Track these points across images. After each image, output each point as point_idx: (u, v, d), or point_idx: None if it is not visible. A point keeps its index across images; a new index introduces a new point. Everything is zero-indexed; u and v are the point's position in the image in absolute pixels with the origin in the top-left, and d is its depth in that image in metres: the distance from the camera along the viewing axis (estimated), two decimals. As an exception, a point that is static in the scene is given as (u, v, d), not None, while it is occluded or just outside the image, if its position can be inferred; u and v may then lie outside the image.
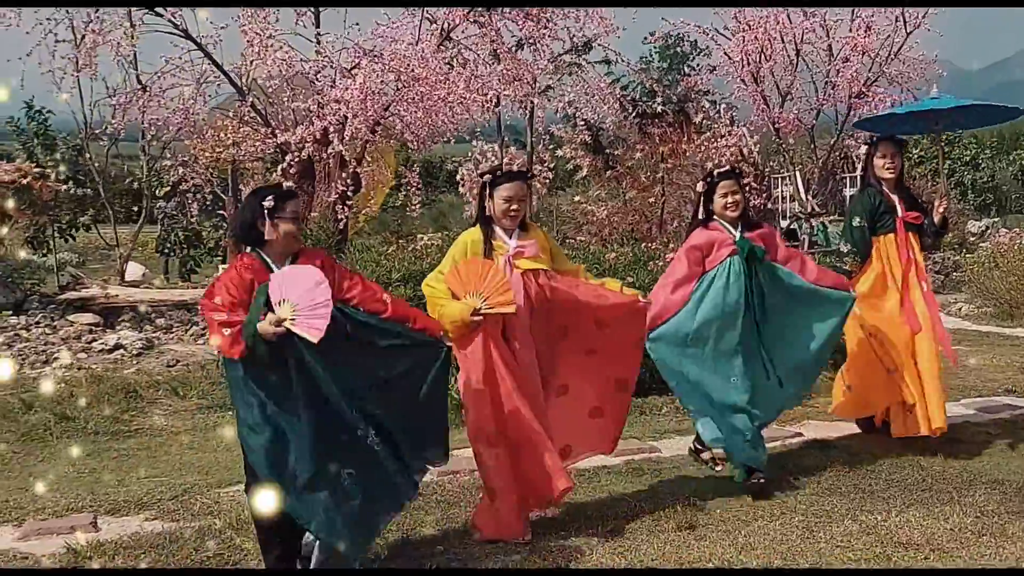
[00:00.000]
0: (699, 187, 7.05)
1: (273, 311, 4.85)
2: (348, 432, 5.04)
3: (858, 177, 19.01)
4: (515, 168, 6.65)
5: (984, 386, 10.10)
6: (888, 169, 7.83)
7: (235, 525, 5.99)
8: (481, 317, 5.74)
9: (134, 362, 11.93)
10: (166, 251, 23.26)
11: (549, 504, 6.12)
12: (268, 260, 5.15)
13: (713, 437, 6.78)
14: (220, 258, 22.28)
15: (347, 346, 5.06)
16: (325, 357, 4.92)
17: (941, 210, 7.87)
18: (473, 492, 6.52)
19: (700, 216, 7.04)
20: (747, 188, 18.52)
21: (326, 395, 4.95)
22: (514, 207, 6.08)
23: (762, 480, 6.62)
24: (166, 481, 7.18)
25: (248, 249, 5.22)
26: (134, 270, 19.55)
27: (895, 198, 7.85)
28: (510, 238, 6.11)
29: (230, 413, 9.17)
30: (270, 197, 5.15)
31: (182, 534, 5.92)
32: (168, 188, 21.32)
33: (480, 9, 14.55)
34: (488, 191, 6.14)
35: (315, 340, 4.79)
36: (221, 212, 20.62)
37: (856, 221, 7.82)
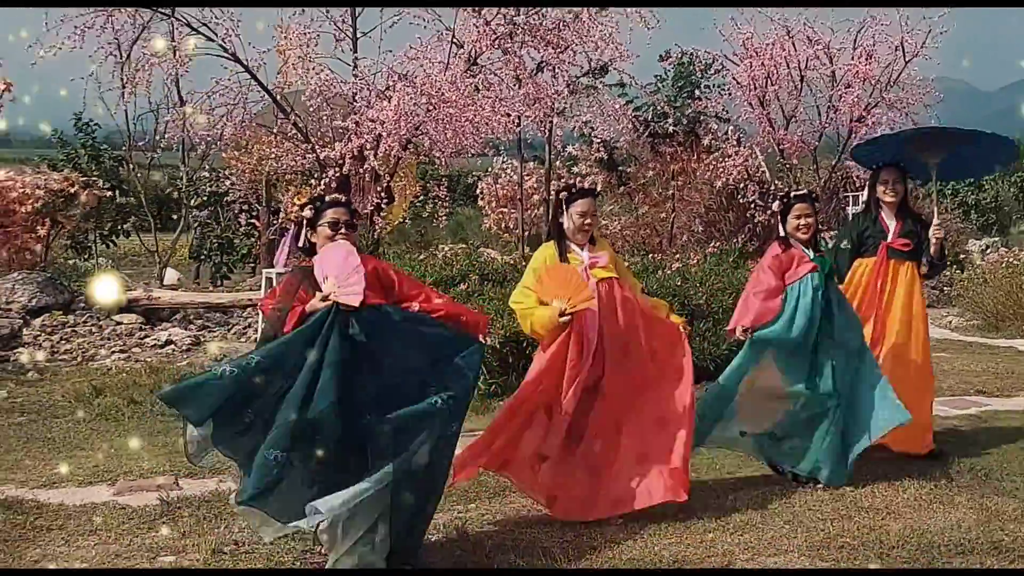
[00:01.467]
0: (775, 206, 7.39)
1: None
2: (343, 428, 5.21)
3: (861, 200, 20.18)
4: (587, 186, 7.00)
5: (959, 387, 11.04)
6: (888, 194, 7.94)
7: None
8: (569, 317, 6.20)
9: (184, 356, 13.02)
10: (200, 257, 24.34)
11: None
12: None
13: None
14: (253, 265, 23.31)
15: (387, 338, 5.38)
16: (364, 345, 5.29)
17: (936, 237, 7.93)
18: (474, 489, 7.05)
19: (781, 234, 7.33)
20: (754, 205, 19.87)
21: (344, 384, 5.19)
22: (587, 221, 6.56)
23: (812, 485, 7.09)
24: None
25: (310, 255, 5.68)
26: (170, 275, 20.67)
27: (891, 223, 7.96)
28: (582, 251, 6.57)
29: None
30: (309, 207, 5.71)
31: (255, 491, 6.97)
32: (204, 198, 22.41)
33: (504, 35, 15.57)
34: (564, 207, 6.62)
35: (356, 304, 5.26)
36: (253, 221, 21.67)
37: (843, 244, 8.12)
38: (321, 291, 5.35)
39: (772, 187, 20.83)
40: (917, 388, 7.77)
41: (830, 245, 19.19)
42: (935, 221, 8.00)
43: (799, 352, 7.10)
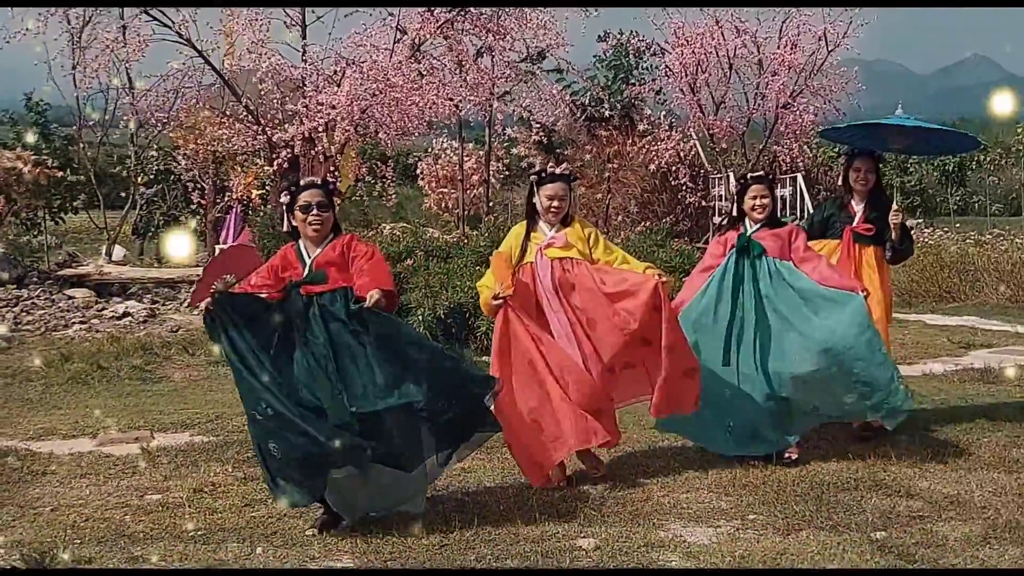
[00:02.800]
0: (732, 187, 7.66)
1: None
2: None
3: (788, 178, 21.14)
4: (558, 171, 7.04)
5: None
6: (858, 182, 8.06)
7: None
8: (502, 300, 6.54)
9: (142, 328, 13.66)
10: (145, 234, 24.81)
11: (567, 453, 6.71)
12: (301, 248, 5.92)
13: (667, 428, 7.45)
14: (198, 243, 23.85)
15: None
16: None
17: (893, 224, 7.99)
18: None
19: (734, 214, 7.50)
20: (686, 187, 20.79)
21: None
22: (555, 204, 6.80)
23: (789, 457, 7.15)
24: (199, 411, 8.98)
25: (295, 238, 5.99)
26: (117, 252, 21.18)
27: (859, 208, 8.08)
28: (550, 230, 6.86)
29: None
30: (284, 193, 5.99)
31: (225, 442, 7.76)
32: (151, 176, 22.90)
33: (446, 22, 16.32)
34: (535, 189, 6.89)
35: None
36: (200, 200, 22.20)
37: (803, 223, 8.50)
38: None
39: (703, 170, 21.81)
40: None
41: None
42: (893, 207, 8.09)
43: (706, 329, 7.20)
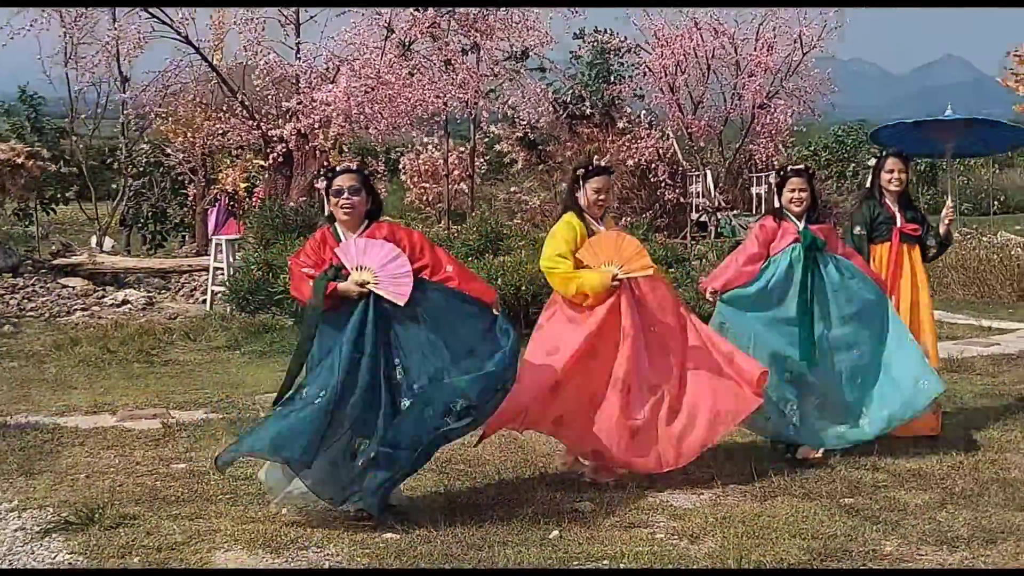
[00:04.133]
0: (772, 179, 7.65)
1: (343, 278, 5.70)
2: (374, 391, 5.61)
3: (763, 177, 21.74)
4: (603, 164, 7.04)
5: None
6: (893, 182, 7.97)
7: (275, 415, 8.32)
8: (619, 282, 6.49)
9: (142, 315, 14.14)
10: (132, 225, 25.22)
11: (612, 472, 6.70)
12: (339, 231, 5.93)
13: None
14: (184, 234, 24.28)
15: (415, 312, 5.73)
16: (392, 320, 5.70)
17: (947, 222, 8.15)
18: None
19: (775, 206, 7.55)
20: (664, 184, 21.37)
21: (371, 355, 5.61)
22: (602, 198, 6.76)
23: (790, 454, 7.20)
24: (210, 391, 9.49)
25: (332, 222, 6.01)
26: (106, 243, 21.60)
27: (895, 210, 8.01)
28: (599, 225, 6.82)
29: (239, 352, 11.61)
30: (322, 179, 6.03)
31: (240, 419, 8.26)
32: (140, 169, 23.32)
33: (435, 22, 16.86)
34: (581, 183, 6.78)
35: (402, 303, 5.64)
36: (186, 192, 22.62)
37: (856, 230, 8.05)
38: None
39: (681, 168, 22.42)
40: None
41: (732, 223, 21.01)
42: (949, 203, 8.30)
43: (771, 322, 7.25)
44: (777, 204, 7.57)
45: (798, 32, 20.12)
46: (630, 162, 21.93)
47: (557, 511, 5.89)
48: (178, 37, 15.26)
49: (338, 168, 6.05)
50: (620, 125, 22.40)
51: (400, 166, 28.47)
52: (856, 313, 7.26)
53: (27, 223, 21.82)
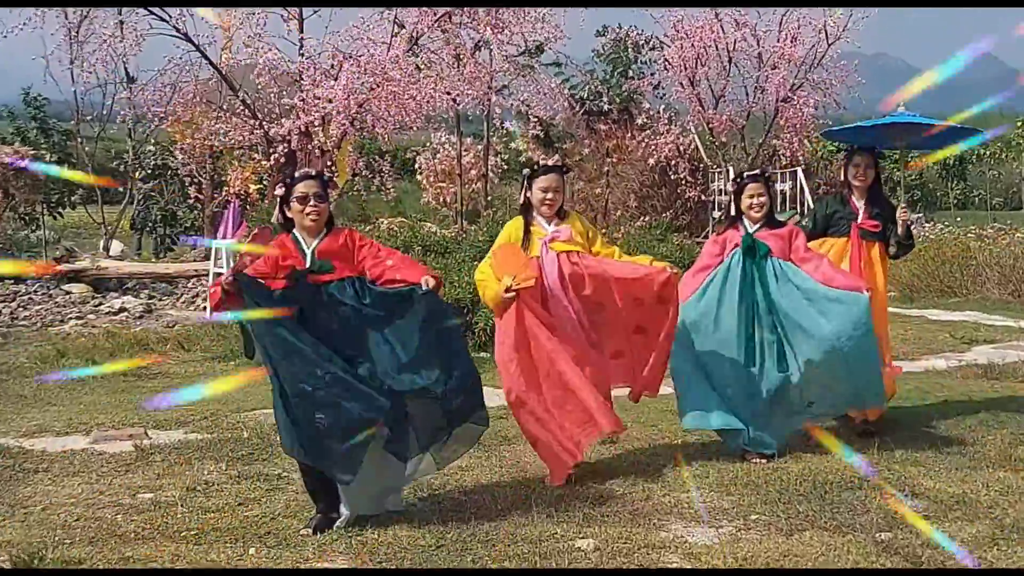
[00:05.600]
0: (729, 187, 7.55)
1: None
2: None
3: (788, 172, 21.06)
4: (551, 163, 6.96)
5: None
6: (857, 178, 8.02)
7: (260, 435, 7.71)
8: (513, 293, 6.44)
9: (138, 323, 13.58)
10: (142, 228, 24.78)
11: (599, 438, 6.79)
12: (299, 238, 5.86)
13: (693, 423, 7.13)
14: (196, 235, 23.77)
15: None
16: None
17: (902, 220, 8.02)
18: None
19: (732, 214, 7.47)
20: (685, 181, 20.70)
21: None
22: (549, 196, 6.75)
23: (757, 459, 7.03)
24: (194, 409, 8.85)
25: (289, 230, 5.91)
26: (115, 247, 21.14)
27: (860, 205, 8.03)
28: (549, 224, 6.82)
29: (233, 363, 11.01)
30: (280, 185, 5.92)
31: (220, 440, 7.66)
32: (148, 171, 22.84)
33: (445, 16, 16.22)
34: (527, 183, 6.84)
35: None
36: (198, 195, 22.13)
37: (804, 222, 8.20)
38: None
39: (703, 164, 21.71)
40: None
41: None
42: (901, 203, 8.20)
43: (707, 330, 7.15)
44: (734, 211, 7.44)
45: (823, 23, 19.36)
46: (650, 160, 21.23)
47: (557, 551, 5.23)
48: (177, 34, 14.66)
49: (297, 174, 5.96)
50: (639, 121, 21.68)
51: (416, 166, 27.95)
52: (813, 314, 7.07)
53: (33, 228, 21.34)
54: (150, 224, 23.98)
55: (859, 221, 8.00)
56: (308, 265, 5.81)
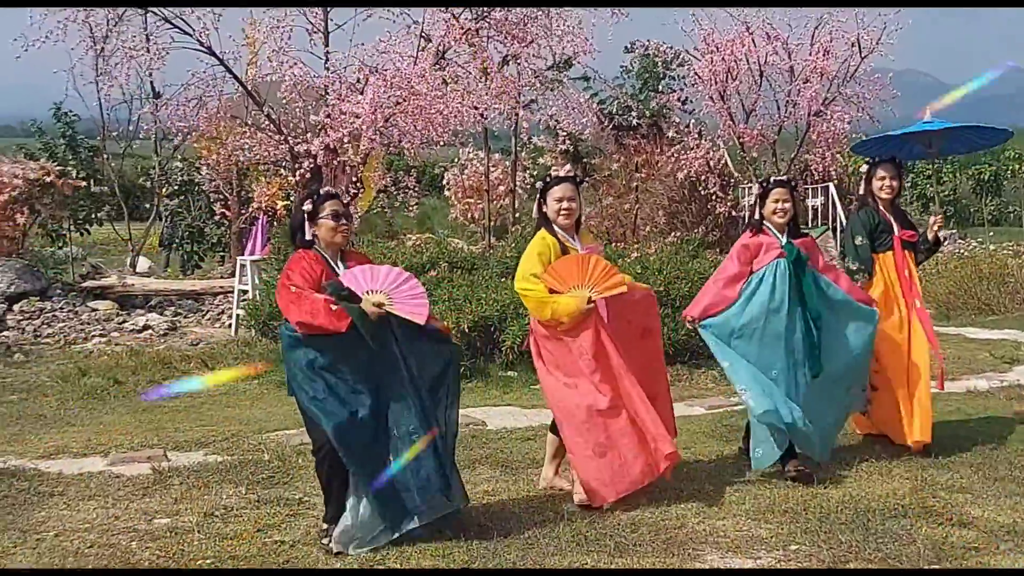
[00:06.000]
0: (754, 190, 7.42)
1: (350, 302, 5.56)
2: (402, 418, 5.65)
3: (819, 188, 20.75)
4: (563, 173, 6.74)
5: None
6: (884, 190, 7.93)
7: (281, 458, 7.51)
8: (594, 304, 6.33)
9: (162, 341, 13.42)
10: (170, 245, 24.72)
11: (658, 473, 6.46)
12: (327, 257, 5.74)
13: (764, 409, 6.87)
14: (223, 254, 23.66)
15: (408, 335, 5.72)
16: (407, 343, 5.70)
17: (936, 229, 8.04)
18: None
19: (755, 218, 7.30)
20: (716, 196, 20.40)
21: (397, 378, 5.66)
22: (565, 206, 6.51)
23: (794, 473, 6.95)
24: (216, 429, 8.68)
25: (308, 247, 5.75)
26: (142, 263, 21.03)
27: (890, 217, 7.98)
28: (573, 239, 6.61)
29: (256, 381, 10.82)
30: (308, 200, 5.78)
31: (240, 462, 7.45)
32: (175, 188, 22.76)
33: (472, 29, 16.02)
34: (542, 196, 6.64)
35: (421, 321, 5.69)
36: (224, 211, 22.01)
37: (859, 240, 7.96)
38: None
39: (733, 179, 21.41)
40: (926, 375, 7.80)
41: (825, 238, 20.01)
42: (938, 216, 8.19)
43: (752, 336, 7.03)
44: (757, 216, 7.29)
45: (856, 35, 19.02)
46: (679, 174, 20.95)
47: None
48: (201, 48, 14.51)
49: (323, 192, 5.88)
50: (669, 135, 21.39)
51: (444, 181, 27.77)
52: (838, 325, 7.20)
53: (60, 244, 21.26)
54: (176, 241, 23.90)
55: (897, 232, 7.92)
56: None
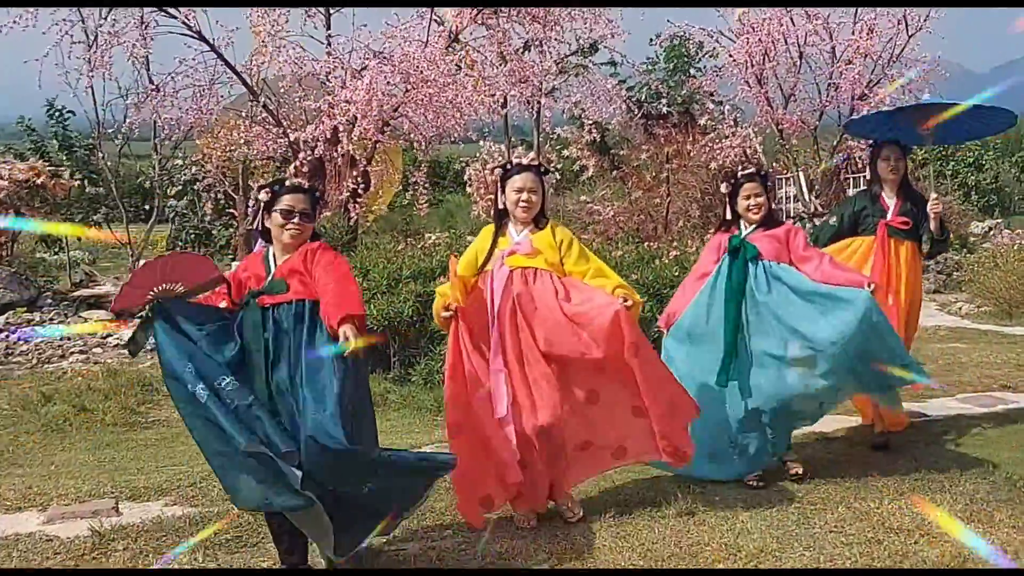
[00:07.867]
0: (723, 188, 6.99)
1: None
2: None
3: (862, 178, 19.43)
4: (526, 161, 6.21)
5: (980, 382, 10.25)
6: (889, 171, 7.76)
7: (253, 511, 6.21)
8: (451, 312, 5.77)
9: (148, 357, 12.17)
10: (174, 248, 23.64)
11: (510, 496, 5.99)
12: (270, 255, 5.24)
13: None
14: (231, 256, 22.61)
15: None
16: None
17: (934, 212, 7.63)
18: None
19: (727, 218, 7.00)
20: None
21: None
22: (524, 197, 6.00)
23: (755, 483, 6.69)
24: (183, 470, 7.42)
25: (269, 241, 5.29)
26: (143, 268, 19.88)
27: (891, 202, 7.76)
28: (519, 234, 6.05)
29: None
30: (266, 190, 5.28)
31: (202, 516, 6.18)
32: (180, 187, 21.63)
33: (488, 11, 14.76)
34: (501, 185, 6.13)
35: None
36: (231, 211, 20.93)
37: (831, 220, 7.95)
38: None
39: (768, 169, 20.06)
40: None
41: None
42: (932, 196, 7.72)
43: (700, 339, 6.74)
44: (729, 215, 6.98)
45: (903, 12, 17.63)
46: (712, 164, 19.61)
47: None
48: (190, 33, 13.29)
49: (287, 184, 5.30)
50: (701, 122, 20.05)
51: (466, 177, 26.63)
52: (789, 322, 6.58)
53: (55, 250, 20.14)
54: (181, 243, 22.82)
55: (888, 219, 7.72)
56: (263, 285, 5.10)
